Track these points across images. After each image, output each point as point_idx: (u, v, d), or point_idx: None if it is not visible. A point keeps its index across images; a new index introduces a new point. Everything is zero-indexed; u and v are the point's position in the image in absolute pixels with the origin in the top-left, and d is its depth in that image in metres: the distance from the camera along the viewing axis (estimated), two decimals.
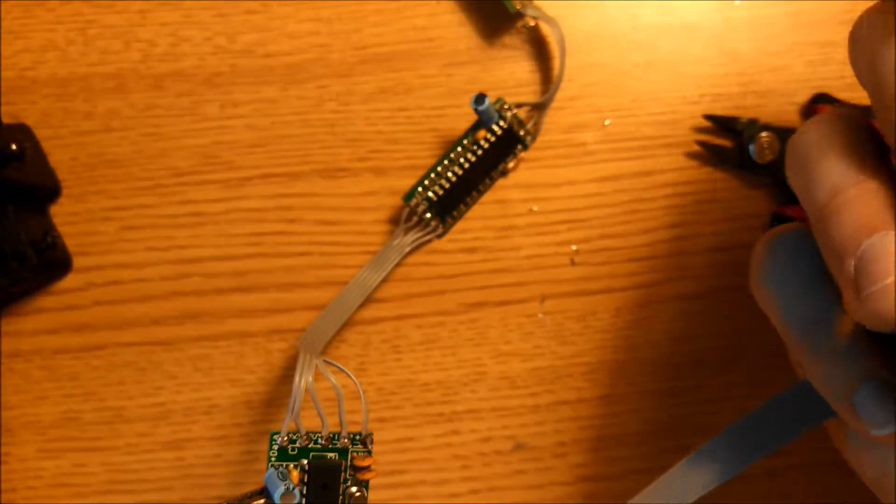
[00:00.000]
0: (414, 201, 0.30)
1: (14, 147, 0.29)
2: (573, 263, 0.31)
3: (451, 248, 0.31)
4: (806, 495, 0.30)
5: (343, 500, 0.25)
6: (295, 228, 0.31)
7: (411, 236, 0.30)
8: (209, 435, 0.30)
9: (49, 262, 0.30)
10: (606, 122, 0.31)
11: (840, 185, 0.15)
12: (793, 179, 0.16)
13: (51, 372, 0.30)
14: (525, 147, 0.31)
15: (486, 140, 0.30)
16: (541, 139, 0.31)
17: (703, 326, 0.31)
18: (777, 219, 0.30)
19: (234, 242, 0.31)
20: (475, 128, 0.30)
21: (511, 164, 0.31)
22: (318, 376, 0.25)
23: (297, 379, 0.25)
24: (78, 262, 0.31)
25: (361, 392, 0.26)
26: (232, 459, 0.30)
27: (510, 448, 0.30)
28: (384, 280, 0.30)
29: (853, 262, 0.14)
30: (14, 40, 0.31)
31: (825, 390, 0.16)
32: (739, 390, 0.30)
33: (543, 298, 0.31)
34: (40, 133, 0.31)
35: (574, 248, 0.31)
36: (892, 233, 0.14)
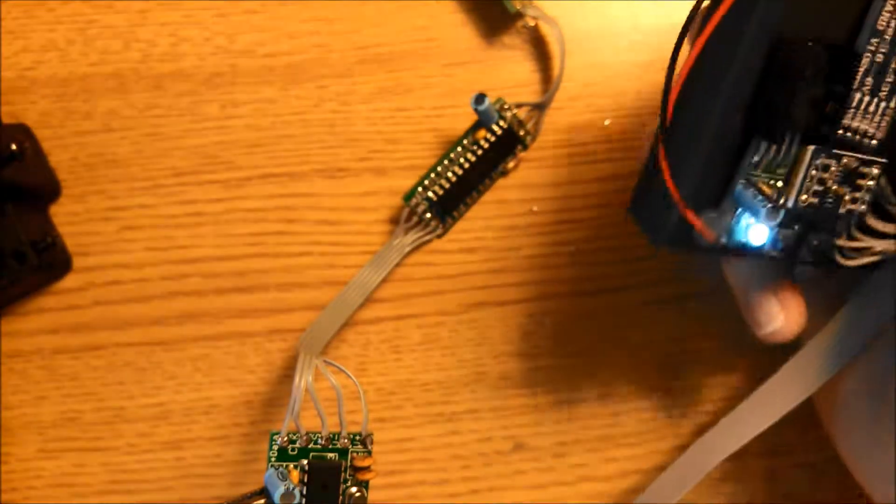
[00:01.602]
0: (414, 201, 0.30)
1: (14, 147, 0.29)
2: (573, 263, 0.31)
3: (451, 248, 0.31)
4: (806, 495, 0.30)
5: (343, 500, 0.25)
6: (295, 228, 0.31)
7: (411, 236, 0.30)
8: (209, 435, 0.30)
9: (49, 262, 0.30)
10: (606, 122, 0.31)
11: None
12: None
13: (51, 372, 0.30)
14: (525, 147, 0.31)
15: (486, 140, 0.30)
16: (541, 139, 0.31)
17: (702, 326, 0.31)
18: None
19: (234, 242, 0.31)
20: (475, 128, 0.30)
21: (511, 164, 0.31)
22: (318, 376, 0.25)
23: (297, 379, 0.25)
24: (78, 262, 0.31)
25: (361, 392, 0.26)
26: (232, 459, 0.30)
27: (510, 448, 0.30)
28: (384, 280, 0.30)
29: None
30: (14, 40, 0.31)
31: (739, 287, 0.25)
32: (739, 390, 0.30)
33: (544, 298, 0.31)
34: (40, 133, 0.31)
35: (574, 248, 0.31)
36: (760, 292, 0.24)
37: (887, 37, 0.20)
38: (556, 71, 0.31)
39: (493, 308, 0.31)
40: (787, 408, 0.25)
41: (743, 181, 0.21)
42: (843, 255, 0.22)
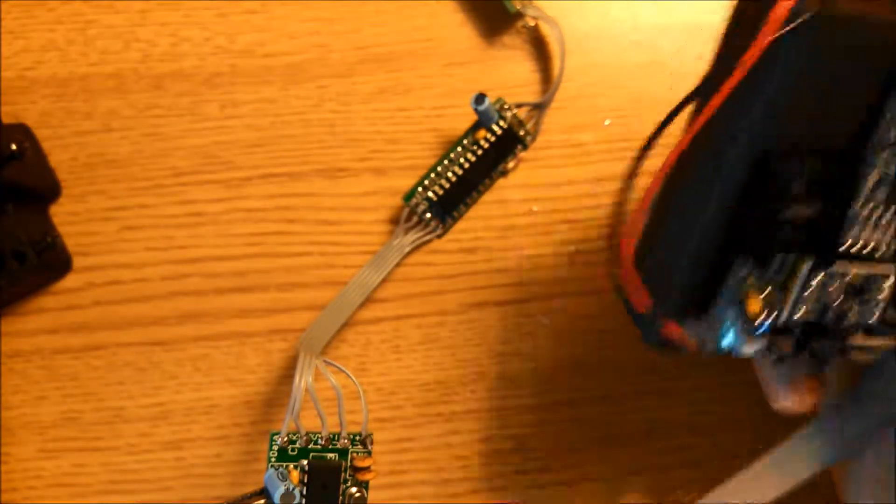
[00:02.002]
0: (414, 201, 0.30)
1: (14, 147, 0.29)
2: (573, 263, 0.31)
3: (451, 248, 0.31)
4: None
5: (343, 500, 0.25)
6: (295, 228, 0.31)
7: (411, 236, 0.30)
8: (209, 435, 0.30)
9: (49, 262, 0.30)
10: (606, 122, 0.31)
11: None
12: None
13: (51, 372, 0.30)
14: (525, 147, 0.31)
15: (486, 140, 0.30)
16: (541, 139, 0.31)
17: None
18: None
19: (234, 242, 0.31)
20: (475, 128, 0.30)
21: (511, 164, 0.31)
22: (318, 376, 0.25)
23: (297, 379, 0.25)
24: (78, 262, 0.31)
25: (361, 392, 0.26)
26: (232, 459, 0.30)
27: (510, 448, 0.30)
28: (384, 280, 0.30)
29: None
30: (14, 40, 0.31)
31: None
32: (737, 391, 0.30)
33: (544, 298, 0.31)
34: (40, 133, 0.31)
35: (574, 248, 0.31)
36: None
37: None
38: (556, 71, 0.31)
39: (493, 308, 0.31)
40: (791, 483, 0.24)
41: (726, 298, 0.19)
42: (858, 352, 0.19)
